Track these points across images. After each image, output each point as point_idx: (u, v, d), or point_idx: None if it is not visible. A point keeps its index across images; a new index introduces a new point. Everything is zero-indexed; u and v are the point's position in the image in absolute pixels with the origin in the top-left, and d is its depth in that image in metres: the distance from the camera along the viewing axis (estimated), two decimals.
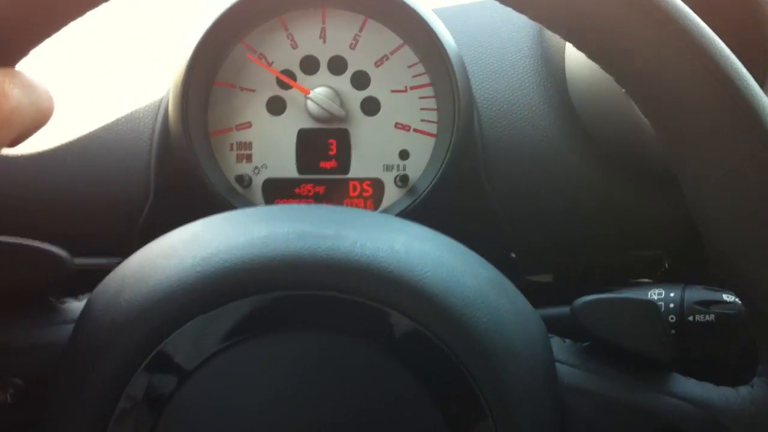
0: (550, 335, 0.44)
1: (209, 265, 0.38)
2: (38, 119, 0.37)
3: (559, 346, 0.44)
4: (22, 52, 0.36)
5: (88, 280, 0.58)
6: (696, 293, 0.51)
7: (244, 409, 0.38)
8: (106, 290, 0.41)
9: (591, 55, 0.40)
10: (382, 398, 0.38)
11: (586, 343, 0.44)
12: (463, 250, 0.43)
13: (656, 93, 0.38)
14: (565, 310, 0.56)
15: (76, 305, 0.45)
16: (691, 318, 0.50)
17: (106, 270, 0.43)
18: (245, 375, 0.38)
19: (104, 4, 0.37)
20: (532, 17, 0.40)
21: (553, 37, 0.70)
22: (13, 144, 0.36)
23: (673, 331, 0.51)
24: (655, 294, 0.52)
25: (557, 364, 0.42)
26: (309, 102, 0.67)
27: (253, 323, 0.38)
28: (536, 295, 0.72)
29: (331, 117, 0.67)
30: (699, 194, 0.40)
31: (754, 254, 0.38)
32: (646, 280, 0.72)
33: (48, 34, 0.37)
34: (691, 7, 0.38)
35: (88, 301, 0.42)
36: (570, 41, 0.40)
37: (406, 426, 0.38)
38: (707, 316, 0.50)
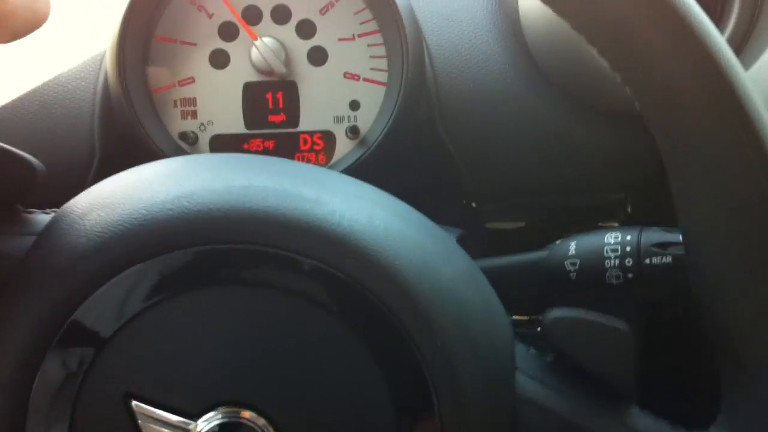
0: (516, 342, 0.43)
1: (181, 205, 0.37)
2: (34, 21, 0.36)
3: (523, 354, 0.43)
4: None
5: None
6: (653, 235, 0.50)
7: (193, 354, 0.37)
8: (72, 210, 0.39)
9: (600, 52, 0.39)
10: (336, 374, 0.37)
11: (549, 358, 0.43)
12: (443, 237, 0.42)
13: (640, 70, 0.37)
14: (526, 256, 0.55)
15: (41, 218, 0.43)
16: (647, 261, 0.49)
17: None
18: (200, 321, 0.37)
19: None
20: None
21: None
22: (5, 43, 0.36)
23: (630, 275, 0.49)
24: (611, 238, 0.50)
25: (518, 373, 0.42)
26: (254, 53, 0.64)
27: (216, 271, 0.37)
28: (500, 242, 0.71)
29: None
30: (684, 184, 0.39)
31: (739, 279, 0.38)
32: (612, 224, 0.71)
33: None
34: None
35: (53, 218, 0.40)
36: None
37: (351, 402, 0.37)
38: (664, 257, 0.49)
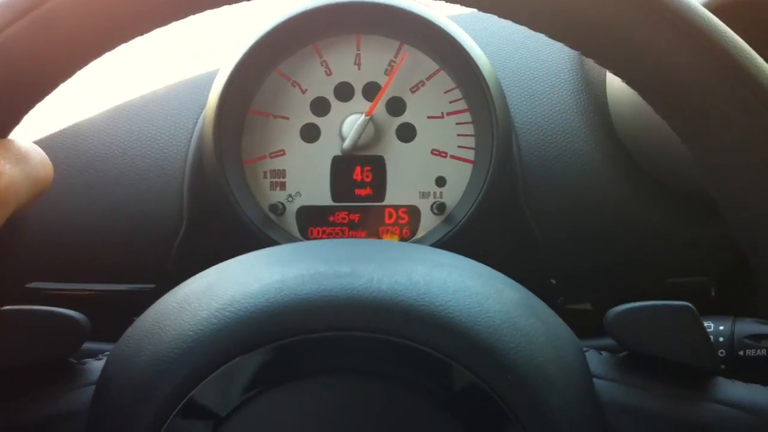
0: (585, 349, 0.42)
1: (224, 317, 0.37)
2: (36, 190, 0.36)
3: (596, 360, 0.42)
4: (14, 120, 0.35)
5: (124, 306, 0.58)
6: (746, 326, 0.49)
7: None
8: (123, 350, 0.40)
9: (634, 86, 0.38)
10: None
11: (623, 353, 0.42)
12: (486, 273, 0.41)
13: (688, 109, 0.37)
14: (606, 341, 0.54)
15: (96, 365, 0.44)
16: (741, 353, 0.48)
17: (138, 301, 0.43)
18: (271, 425, 0.37)
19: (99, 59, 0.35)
20: (552, 36, 0.38)
21: None
22: (13, 216, 0.35)
23: (723, 366, 0.49)
24: None
25: (596, 380, 0.41)
26: (344, 128, 0.66)
27: (275, 371, 0.37)
28: (578, 324, 0.71)
29: (365, 145, 0.66)
30: (741, 219, 0.37)
31: None
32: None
33: (40, 99, 0.35)
34: (731, 20, 0.36)
35: (106, 363, 0.41)
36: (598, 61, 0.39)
37: None
38: (758, 350, 0.48)
